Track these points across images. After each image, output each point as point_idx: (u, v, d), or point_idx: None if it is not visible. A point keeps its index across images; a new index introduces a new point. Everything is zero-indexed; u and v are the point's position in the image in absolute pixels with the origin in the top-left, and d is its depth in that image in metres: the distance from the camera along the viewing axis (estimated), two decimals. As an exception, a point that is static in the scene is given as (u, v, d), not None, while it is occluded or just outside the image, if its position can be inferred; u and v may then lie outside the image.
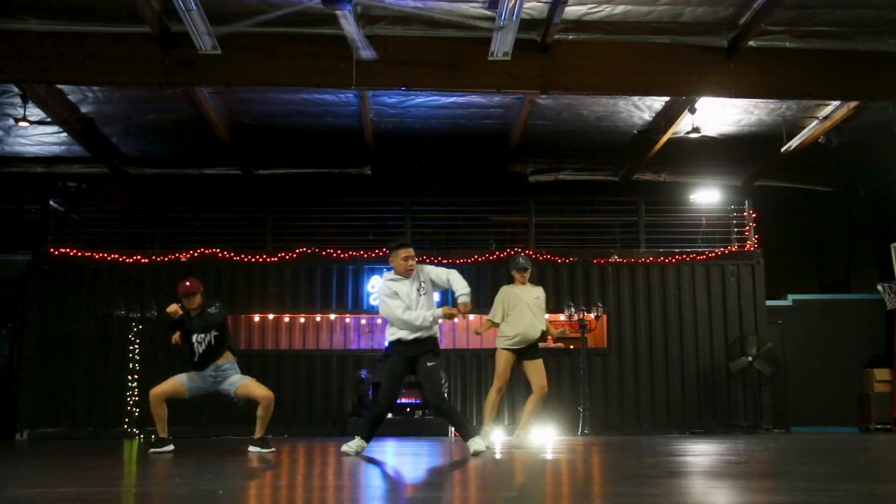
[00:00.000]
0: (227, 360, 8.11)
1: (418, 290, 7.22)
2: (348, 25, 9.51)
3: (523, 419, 9.02)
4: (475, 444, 7.01)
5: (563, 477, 4.97)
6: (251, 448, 8.03)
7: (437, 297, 13.17)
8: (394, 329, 7.28)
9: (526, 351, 8.80)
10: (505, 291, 8.88)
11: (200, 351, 8.00)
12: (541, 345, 14.37)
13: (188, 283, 8.18)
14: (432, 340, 7.26)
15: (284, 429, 13.32)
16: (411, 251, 7.32)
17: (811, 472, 4.97)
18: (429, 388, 7.23)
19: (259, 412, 8.10)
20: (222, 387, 8.09)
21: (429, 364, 7.16)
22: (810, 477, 4.65)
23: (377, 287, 7.57)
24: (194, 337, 8.00)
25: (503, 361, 8.82)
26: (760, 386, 13.74)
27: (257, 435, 8.11)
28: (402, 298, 7.17)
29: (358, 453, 7.16)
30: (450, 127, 13.98)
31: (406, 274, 7.26)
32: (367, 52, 10.01)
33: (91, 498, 3.89)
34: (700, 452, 7.41)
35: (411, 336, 7.17)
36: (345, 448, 7.19)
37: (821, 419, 14.66)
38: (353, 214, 14.74)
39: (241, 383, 8.08)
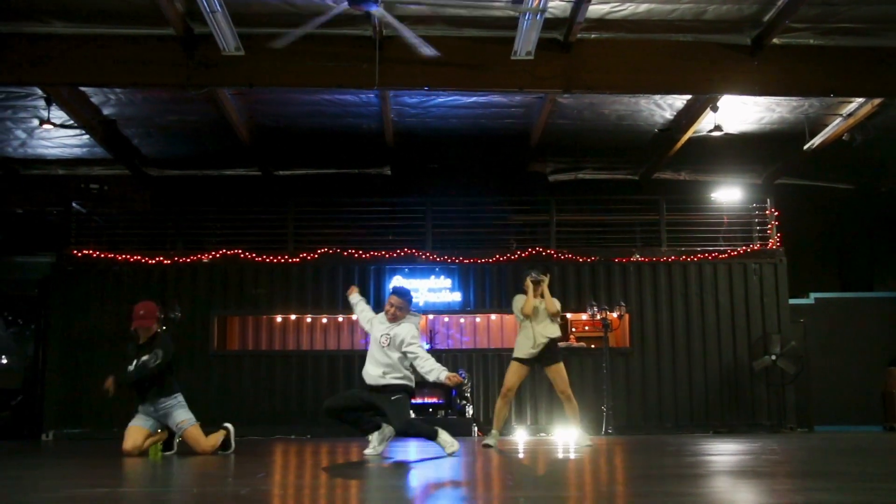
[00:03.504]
0: (171, 397, 7.91)
1: (381, 337, 7.32)
2: (401, 29, 9.42)
3: (573, 418, 9.06)
4: (446, 442, 7.15)
5: (589, 476, 4.96)
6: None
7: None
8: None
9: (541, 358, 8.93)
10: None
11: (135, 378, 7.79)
12: (563, 344, 14.45)
13: (143, 312, 7.95)
14: (391, 387, 7.25)
15: (307, 429, 13.34)
16: (392, 299, 7.45)
17: (862, 472, 4.93)
18: (394, 417, 7.14)
19: (196, 449, 7.89)
20: (167, 423, 7.89)
21: (392, 398, 7.17)
22: (862, 477, 4.61)
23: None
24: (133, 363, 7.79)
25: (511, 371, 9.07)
26: (784, 385, 13.66)
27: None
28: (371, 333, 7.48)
29: (379, 453, 7.25)
30: (470, 127, 13.97)
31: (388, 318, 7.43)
32: (429, 51, 9.73)
33: (120, 499, 3.91)
34: (739, 452, 7.37)
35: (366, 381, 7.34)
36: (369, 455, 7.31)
37: (844, 418, 14.56)
38: (374, 215, 14.73)
39: (186, 427, 7.86)
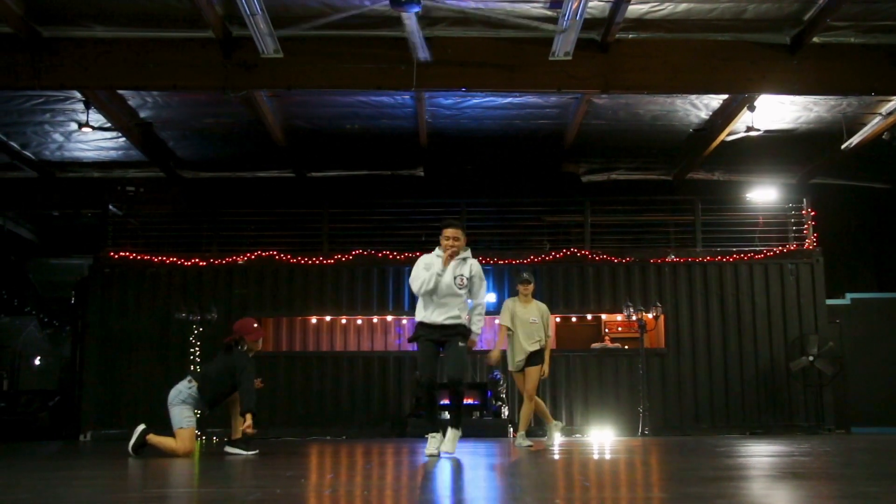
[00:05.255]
0: None
1: (457, 278, 7.03)
2: (411, 26, 9.50)
3: (522, 422, 9.33)
4: (453, 442, 7.03)
5: (626, 477, 4.94)
6: (230, 449, 7.83)
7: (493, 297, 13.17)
8: (419, 308, 7.17)
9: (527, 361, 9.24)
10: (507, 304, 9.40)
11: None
12: (598, 345, 14.47)
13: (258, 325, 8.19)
14: (461, 326, 7.08)
15: (342, 430, 13.38)
16: (453, 232, 7.10)
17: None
18: (452, 363, 6.99)
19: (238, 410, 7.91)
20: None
21: (460, 344, 7.03)
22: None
23: None
24: None
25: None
26: (822, 386, 13.55)
27: (237, 435, 7.92)
28: (428, 271, 7.04)
29: (438, 449, 7.09)
30: (504, 127, 13.96)
31: (449, 254, 7.08)
32: (423, 54, 9.96)
33: (164, 497, 3.92)
34: (784, 454, 7.31)
35: (436, 321, 7.00)
36: (427, 452, 7.08)
37: (881, 420, 14.39)
38: (408, 216, 14.73)
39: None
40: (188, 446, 7.65)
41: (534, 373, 9.15)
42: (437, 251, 7.20)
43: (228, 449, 7.88)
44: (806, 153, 14.85)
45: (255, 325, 8.17)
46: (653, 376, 13.61)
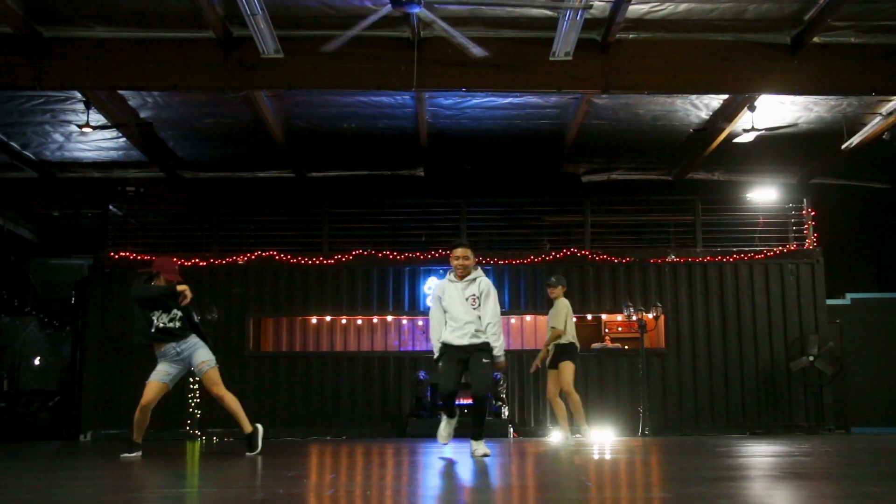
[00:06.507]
0: (192, 335, 7.84)
1: (468, 298, 7.04)
2: (450, 31, 9.40)
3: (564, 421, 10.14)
4: (481, 447, 6.98)
5: (627, 477, 4.94)
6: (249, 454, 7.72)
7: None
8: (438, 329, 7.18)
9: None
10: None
11: (160, 325, 7.75)
12: (598, 345, 14.49)
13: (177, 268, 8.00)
14: (484, 344, 7.02)
15: (343, 430, 13.38)
16: (462, 252, 7.13)
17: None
18: (477, 378, 6.97)
19: (228, 409, 7.78)
20: (193, 361, 7.77)
21: (483, 361, 6.98)
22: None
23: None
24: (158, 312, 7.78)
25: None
26: (822, 386, 13.55)
27: (248, 429, 7.77)
28: (445, 302, 7.11)
29: (449, 434, 7.21)
30: (504, 128, 13.96)
31: (459, 275, 7.15)
32: (478, 50, 9.75)
33: (157, 498, 3.92)
34: (785, 454, 7.31)
35: (456, 343, 7.01)
36: (441, 436, 7.21)
37: (881, 420, 14.40)
38: (408, 216, 14.73)
39: (206, 369, 7.77)
40: (146, 399, 7.62)
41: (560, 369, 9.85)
42: (449, 276, 7.24)
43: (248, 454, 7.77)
44: (806, 153, 14.85)
45: (177, 267, 8.01)
46: (653, 376, 13.61)
